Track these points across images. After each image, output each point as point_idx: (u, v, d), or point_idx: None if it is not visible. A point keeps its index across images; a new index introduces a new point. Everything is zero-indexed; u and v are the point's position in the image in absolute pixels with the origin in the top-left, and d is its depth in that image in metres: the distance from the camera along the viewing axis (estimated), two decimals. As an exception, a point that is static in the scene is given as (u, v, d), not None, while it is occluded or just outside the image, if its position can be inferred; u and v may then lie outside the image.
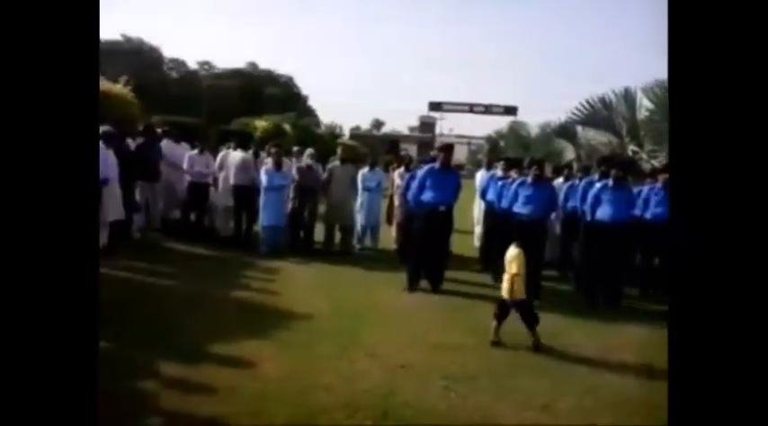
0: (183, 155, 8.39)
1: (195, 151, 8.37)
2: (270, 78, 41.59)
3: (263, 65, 42.81)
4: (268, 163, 7.81)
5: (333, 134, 35.43)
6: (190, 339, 4.02)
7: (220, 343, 3.95)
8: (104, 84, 8.57)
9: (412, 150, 32.17)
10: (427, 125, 50.08)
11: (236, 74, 38.86)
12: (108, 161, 6.57)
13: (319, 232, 8.11)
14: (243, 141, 9.13)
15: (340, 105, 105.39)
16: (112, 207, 6.60)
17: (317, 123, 38.23)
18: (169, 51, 42.07)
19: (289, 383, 3.40)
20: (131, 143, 7.72)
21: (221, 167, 8.33)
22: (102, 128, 6.75)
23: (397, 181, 8.26)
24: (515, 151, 18.28)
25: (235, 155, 8.30)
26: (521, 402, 3.33)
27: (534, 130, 20.17)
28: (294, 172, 7.92)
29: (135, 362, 3.55)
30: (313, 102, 48.09)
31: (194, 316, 4.62)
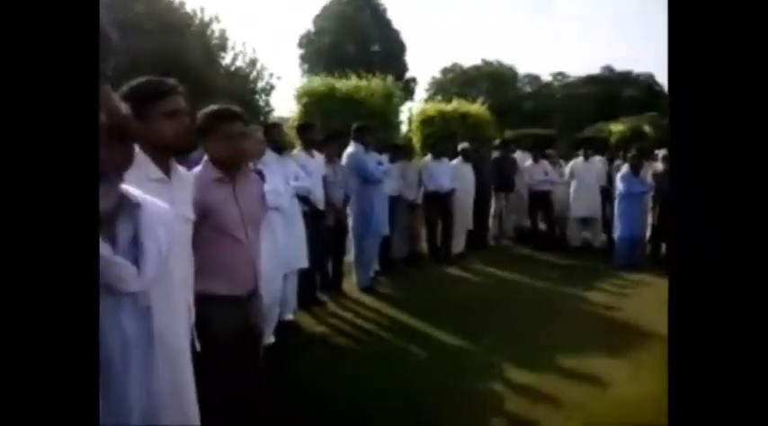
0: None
1: (530, 161, 8.49)
2: (628, 80, 38.73)
3: (620, 67, 40.15)
4: (624, 169, 7.24)
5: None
6: (540, 346, 4.01)
7: (571, 355, 3.81)
8: (463, 105, 9.53)
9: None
10: None
11: (591, 80, 37.68)
12: (465, 175, 7.25)
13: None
14: (598, 147, 8.79)
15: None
16: (466, 217, 7.24)
17: (686, 121, 33.48)
18: (524, 68, 43.87)
19: (643, 408, 3.00)
20: (487, 157, 8.31)
21: (572, 176, 8.18)
22: (461, 145, 7.50)
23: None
24: None
25: (587, 163, 8.04)
26: None
27: None
28: (649, 177, 7.11)
29: (486, 362, 3.74)
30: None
31: (544, 324, 4.59)
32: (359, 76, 7.41)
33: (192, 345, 1.91)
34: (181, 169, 1.91)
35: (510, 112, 26.51)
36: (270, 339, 3.88)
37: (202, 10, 5.89)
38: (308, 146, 4.82)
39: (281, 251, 3.76)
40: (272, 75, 6.73)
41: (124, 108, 1.23)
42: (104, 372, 1.16)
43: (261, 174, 3.10)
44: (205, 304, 1.97)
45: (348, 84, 7.19)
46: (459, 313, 4.92)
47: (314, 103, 6.78)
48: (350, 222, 5.48)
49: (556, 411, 3.04)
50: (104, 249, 1.16)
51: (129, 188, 1.27)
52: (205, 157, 2.20)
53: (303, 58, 29.67)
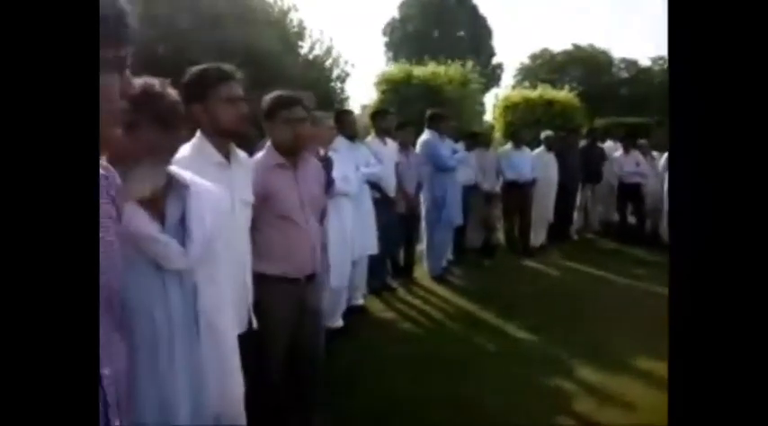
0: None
1: (620, 151, 7.95)
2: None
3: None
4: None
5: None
6: (617, 346, 3.79)
7: (649, 358, 3.56)
8: (548, 92, 9.15)
9: None
10: None
11: (695, 63, 34.67)
12: (548, 164, 6.96)
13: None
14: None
15: None
16: (547, 208, 6.96)
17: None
18: (620, 52, 41.15)
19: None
20: (573, 146, 7.90)
21: (668, 167, 7.62)
22: (544, 133, 7.20)
23: None
24: None
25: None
26: None
27: None
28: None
29: (555, 359, 3.60)
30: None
31: (624, 323, 4.33)
32: (438, 63, 7.33)
33: (250, 323, 1.98)
34: (241, 154, 1.97)
35: (604, 99, 25.05)
36: (338, 322, 3.97)
37: (282, -1, 6.11)
38: (382, 132, 4.83)
39: (349, 236, 3.81)
40: (347, 62, 6.86)
41: (173, 94, 1.28)
42: (151, 346, 1.23)
43: (329, 161, 3.14)
44: (264, 284, 2.04)
45: (426, 70, 7.13)
46: (533, 307, 4.76)
47: (391, 91, 6.79)
48: (422, 210, 5.45)
49: (627, 413, 2.87)
50: (152, 227, 1.22)
51: (178, 169, 1.33)
52: (268, 143, 2.26)
53: (388, 46, 29.79)
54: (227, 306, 1.42)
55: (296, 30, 5.95)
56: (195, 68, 1.82)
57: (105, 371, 0.81)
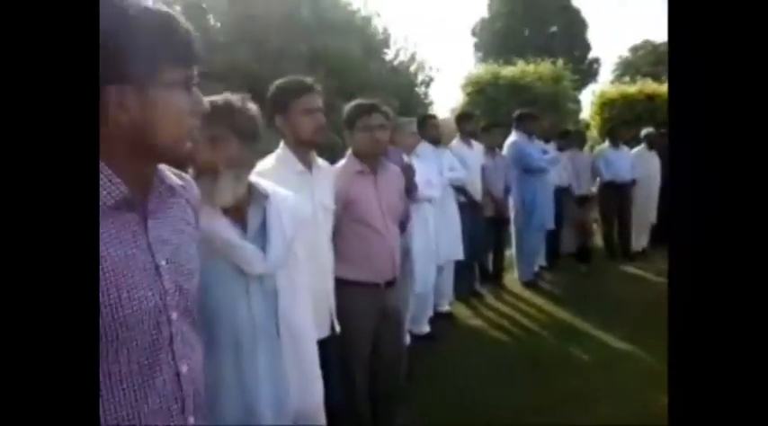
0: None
1: None
2: None
3: None
4: None
5: None
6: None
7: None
8: (649, 86, 8.55)
9: None
10: None
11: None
12: (649, 163, 6.52)
13: None
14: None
15: None
16: (649, 210, 6.51)
17: None
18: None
19: None
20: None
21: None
22: (645, 130, 6.75)
23: None
24: None
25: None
26: None
27: None
28: None
29: (654, 370, 3.36)
30: None
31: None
32: (526, 61, 7.11)
33: (333, 327, 2.03)
34: (321, 162, 2.04)
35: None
36: (424, 328, 3.96)
37: (365, 6, 6.18)
38: (467, 135, 4.77)
39: (433, 242, 3.79)
40: (431, 67, 6.81)
41: (253, 109, 1.35)
42: (235, 349, 1.29)
43: (410, 168, 3.14)
44: (344, 289, 2.08)
45: (513, 70, 6.93)
46: (632, 314, 4.46)
47: (477, 92, 6.69)
48: (511, 214, 5.30)
49: None
50: (234, 234, 1.29)
51: (258, 179, 1.40)
52: (349, 151, 2.32)
53: (477, 46, 29.32)
54: (308, 310, 1.46)
55: (380, 37, 6.02)
56: (277, 82, 1.92)
57: (183, 369, 0.87)
